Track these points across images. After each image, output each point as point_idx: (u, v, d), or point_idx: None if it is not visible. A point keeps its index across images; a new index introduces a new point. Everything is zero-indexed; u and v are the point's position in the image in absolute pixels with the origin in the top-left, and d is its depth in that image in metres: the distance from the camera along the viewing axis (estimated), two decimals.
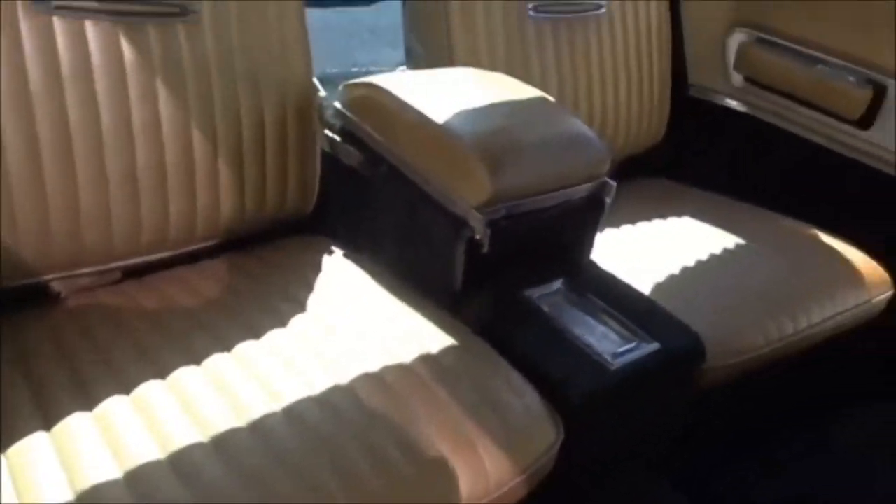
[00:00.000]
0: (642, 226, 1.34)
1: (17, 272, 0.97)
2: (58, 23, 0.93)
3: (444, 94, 1.06)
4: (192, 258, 1.12)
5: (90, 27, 0.95)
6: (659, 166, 1.60)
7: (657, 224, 1.36)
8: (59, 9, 0.93)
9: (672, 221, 1.37)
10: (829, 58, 1.44)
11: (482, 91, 1.08)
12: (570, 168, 1.02)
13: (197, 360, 0.88)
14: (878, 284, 1.29)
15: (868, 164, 1.43)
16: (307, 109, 1.14)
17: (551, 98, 1.10)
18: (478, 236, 0.96)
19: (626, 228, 1.32)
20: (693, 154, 1.64)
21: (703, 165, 1.62)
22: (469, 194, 0.96)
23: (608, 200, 1.06)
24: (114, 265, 1.06)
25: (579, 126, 1.05)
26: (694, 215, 1.39)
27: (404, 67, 1.40)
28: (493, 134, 0.99)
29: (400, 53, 1.40)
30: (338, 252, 1.14)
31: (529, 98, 1.08)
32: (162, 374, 0.86)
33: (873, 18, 1.38)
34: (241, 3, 1.05)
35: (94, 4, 0.95)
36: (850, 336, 1.26)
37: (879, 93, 1.39)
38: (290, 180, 1.15)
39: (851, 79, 1.41)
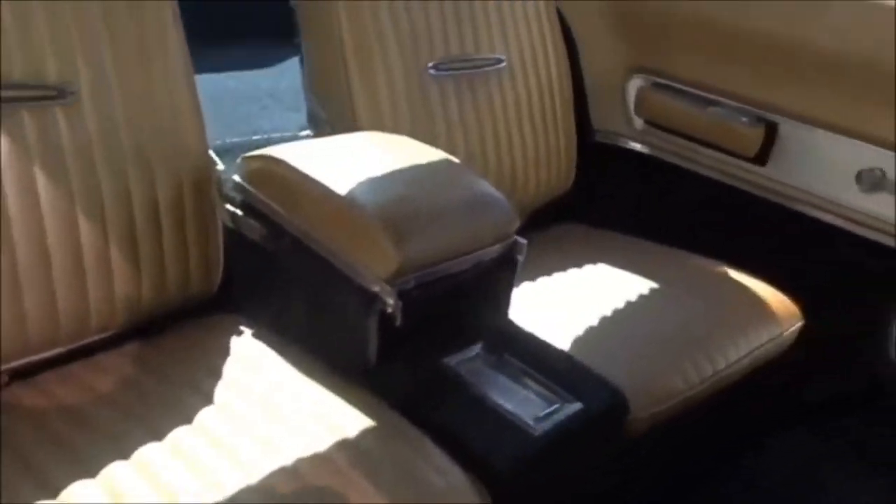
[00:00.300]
0: (557, 276, 1.34)
1: None
2: None
3: (346, 162, 1.03)
4: (88, 352, 1.05)
5: None
6: (571, 212, 1.61)
7: (572, 273, 1.36)
8: None
9: (587, 269, 1.37)
10: (722, 99, 1.49)
11: (384, 157, 1.06)
12: (478, 231, 1.00)
13: (90, 472, 0.81)
14: (789, 318, 1.31)
15: (768, 199, 1.48)
16: (204, 184, 1.10)
17: (455, 159, 1.09)
18: (389, 309, 0.93)
19: (542, 280, 1.31)
20: (602, 198, 1.66)
21: (612, 208, 1.64)
22: (376, 266, 0.94)
23: (520, 259, 1.05)
24: (26, 360, 0.98)
25: (484, 187, 1.04)
26: (607, 260, 1.40)
27: (308, 132, 1.37)
28: (396, 202, 0.96)
29: (303, 117, 1.38)
30: (247, 331, 1.09)
31: (433, 161, 1.06)
32: (52, 490, 0.79)
33: (761, 60, 1.44)
34: (125, 78, 1.00)
35: None
36: (765, 370, 1.28)
37: (771, 130, 1.44)
38: (192, 260, 1.10)
39: (744, 119, 1.45)
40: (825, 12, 1.34)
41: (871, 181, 1.35)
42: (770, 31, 1.39)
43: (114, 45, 0.99)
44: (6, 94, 0.92)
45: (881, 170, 1.33)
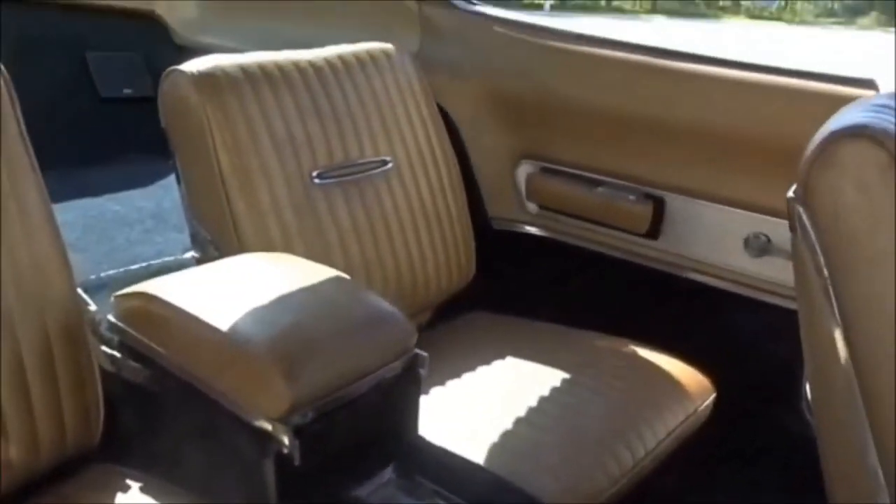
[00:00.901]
0: (467, 376, 1.30)
1: None
2: None
3: (227, 292, 0.97)
4: None
5: None
6: (476, 300, 1.59)
7: (481, 370, 1.32)
8: None
9: (496, 364, 1.34)
10: (609, 179, 1.51)
11: (269, 282, 1.00)
12: (375, 350, 0.96)
13: None
14: (702, 392, 1.31)
15: (665, 272, 1.50)
16: (75, 330, 1.01)
17: (345, 275, 1.04)
18: (286, 450, 0.86)
19: (451, 383, 1.27)
20: (505, 283, 1.65)
21: (516, 293, 1.63)
22: (268, 405, 0.87)
23: (423, 373, 1.00)
24: None
25: (377, 302, 1.00)
26: (515, 349, 1.37)
27: (193, 254, 1.30)
28: (284, 333, 0.91)
29: (188, 238, 1.31)
30: (133, 485, 1.00)
31: (321, 281, 1.01)
32: None
33: (640, 138, 1.47)
34: None
35: None
36: (683, 446, 1.26)
37: (659, 205, 1.47)
38: (67, 413, 1.00)
39: (632, 196, 1.48)
40: (696, 89, 1.39)
41: (757, 246, 1.39)
42: (647, 112, 1.43)
43: None
44: None
45: (765, 235, 1.37)
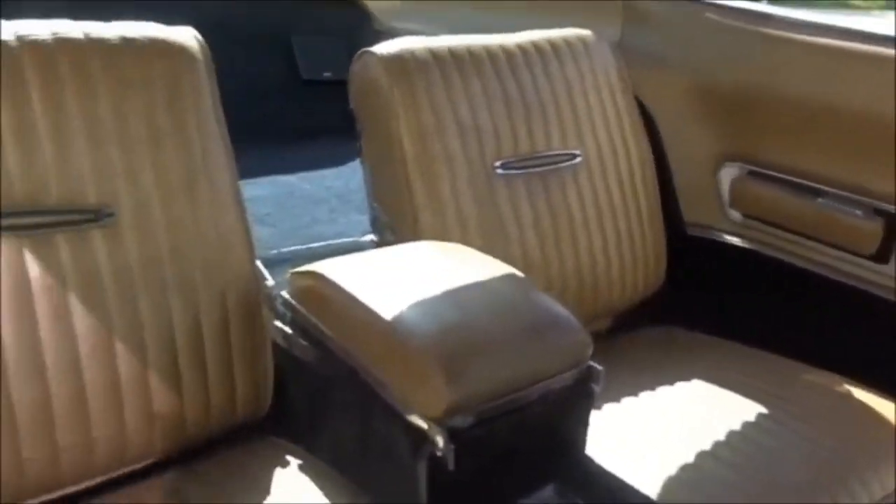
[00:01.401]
0: (646, 395, 1.18)
1: None
2: None
3: (397, 281, 0.94)
4: (130, 480, 0.98)
5: None
6: (662, 312, 1.46)
7: (664, 390, 1.20)
8: None
9: (681, 385, 1.21)
10: (829, 188, 1.32)
11: (441, 274, 0.95)
12: (545, 358, 0.88)
13: None
14: None
15: (893, 302, 1.28)
16: (252, 303, 1.02)
17: (520, 273, 0.97)
18: (440, 452, 0.81)
19: (628, 401, 1.16)
20: (698, 297, 1.50)
21: (709, 308, 1.48)
22: (425, 404, 0.82)
23: (597, 388, 0.91)
24: (30, 502, 0.92)
25: (552, 306, 0.92)
26: (704, 372, 1.23)
27: (372, 237, 1.30)
28: (450, 330, 0.85)
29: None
30: (293, 462, 1.00)
31: (494, 277, 0.95)
32: None
33: (872, 143, 1.27)
34: (168, 202, 0.96)
35: None
36: None
37: (891, 223, 1.26)
38: (239, 383, 1.02)
39: (858, 212, 1.28)
40: None
41: None
42: (886, 113, 1.22)
43: (157, 170, 0.96)
44: (43, 220, 0.89)
45: None
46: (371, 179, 1.27)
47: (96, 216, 0.91)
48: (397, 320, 0.86)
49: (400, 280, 0.94)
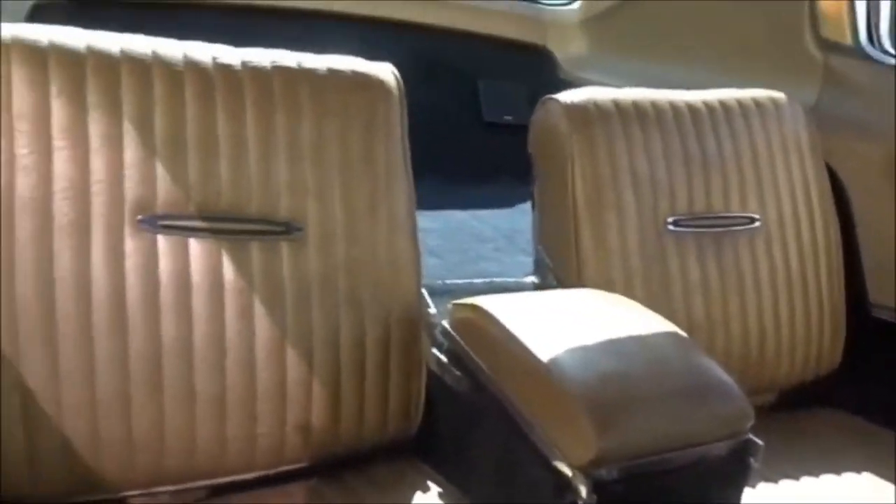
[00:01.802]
0: (808, 482, 1.10)
1: (96, 487, 0.93)
2: (162, 240, 0.93)
3: (557, 324, 0.94)
4: (284, 478, 1.04)
5: (193, 245, 0.95)
6: (835, 396, 1.36)
7: (827, 481, 1.11)
8: (165, 227, 0.94)
9: (849, 479, 1.12)
10: None
11: (601, 323, 0.95)
12: (701, 422, 0.85)
13: None
14: None
15: None
16: (413, 327, 1.07)
17: (682, 333, 0.95)
18: (580, 502, 0.80)
19: (787, 484, 1.08)
20: (876, 384, 1.38)
21: (887, 398, 1.36)
22: (573, 450, 0.82)
23: (755, 464, 0.86)
24: (198, 483, 1.00)
25: (713, 370, 0.89)
26: (875, 466, 1.13)
27: (533, 279, 1.31)
28: (604, 380, 0.85)
29: (531, 262, 1.32)
30: (433, 489, 1.02)
31: (655, 332, 0.93)
32: None
33: None
34: (351, 222, 1.03)
35: (200, 224, 0.95)
36: None
37: None
38: (392, 401, 1.06)
39: None
40: None
41: None
42: None
43: (345, 192, 1.03)
44: (242, 227, 0.98)
45: None
46: (540, 223, 1.29)
47: (287, 229, 0.99)
48: (553, 362, 0.86)
49: (559, 323, 0.95)
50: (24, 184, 0.88)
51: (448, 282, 1.33)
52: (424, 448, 1.10)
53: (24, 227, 0.87)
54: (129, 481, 0.95)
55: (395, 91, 1.10)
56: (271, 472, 1.03)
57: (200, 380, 0.95)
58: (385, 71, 1.11)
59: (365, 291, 1.03)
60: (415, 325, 1.07)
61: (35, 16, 1.59)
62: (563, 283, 1.19)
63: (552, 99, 1.24)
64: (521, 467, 0.91)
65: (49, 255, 0.88)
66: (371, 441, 1.07)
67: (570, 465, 0.82)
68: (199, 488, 1.00)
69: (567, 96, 1.24)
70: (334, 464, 1.06)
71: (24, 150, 0.89)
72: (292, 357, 0.99)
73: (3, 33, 0.91)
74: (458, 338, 1.03)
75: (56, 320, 0.88)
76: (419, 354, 1.08)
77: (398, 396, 1.06)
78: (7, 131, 0.88)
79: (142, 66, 0.96)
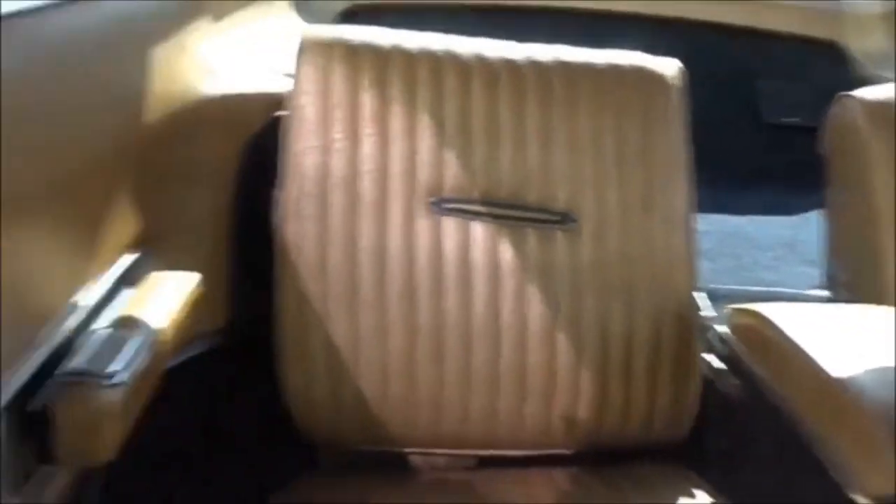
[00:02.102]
0: None
1: (383, 440, 1.02)
2: (447, 222, 1.00)
3: (850, 339, 0.86)
4: (549, 461, 1.06)
5: (475, 228, 1.00)
6: None
7: None
8: (451, 210, 1.00)
9: None
10: None
11: None
12: None
13: None
14: None
15: None
16: (686, 327, 1.03)
17: None
18: None
19: None
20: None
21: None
22: (870, 479, 0.73)
23: None
24: (469, 451, 1.05)
25: None
26: None
27: (817, 292, 1.21)
28: None
29: (816, 274, 1.22)
30: (700, 498, 0.98)
31: None
32: None
33: None
34: (626, 216, 1.02)
35: (482, 209, 1.00)
36: None
37: None
38: (660, 401, 1.04)
39: None
40: None
41: None
42: None
43: (621, 186, 1.03)
44: (520, 214, 1.01)
45: None
46: (833, 232, 1.18)
47: (563, 220, 1.01)
48: (851, 379, 0.78)
49: (855, 339, 0.86)
50: (336, 165, 0.99)
51: (721, 287, 1.27)
52: (692, 453, 1.07)
53: (335, 202, 0.98)
54: (410, 439, 1.03)
55: (677, 87, 1.07)
56: (536, 452, 1.05)
57: (476, 353, 1.00)
58: (670, 67, 1.09)
59: (637, 287, 1.02)
60: (687, 326, 1.03)
61: (345, 19, 1.77)
62: (859, 300, 1.08)
63: (850, 96, 1.14)
64: (804, 490, 0.85)
65: (355, 228, 0.98)
66: (635, 439, 1.05)
67: (867, 496, 0.74)
68: (470, 456, 1.05)
69: (867, 93, 1.13)
70: (598, 457, 1.06)
71: (338, 136, 1.00)
72: (562, 343, 1.01)
73: (328, 34, 1.03)
74: (737, 344, 0.98)
75: (358, 287, 0.98)
76: (692, 357, 1.04)
77: (668, 397, 1.04)
78: (324, 118, 1.00)
79: (436, 62, 1.03)
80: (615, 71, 1.07)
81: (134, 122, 0.85)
